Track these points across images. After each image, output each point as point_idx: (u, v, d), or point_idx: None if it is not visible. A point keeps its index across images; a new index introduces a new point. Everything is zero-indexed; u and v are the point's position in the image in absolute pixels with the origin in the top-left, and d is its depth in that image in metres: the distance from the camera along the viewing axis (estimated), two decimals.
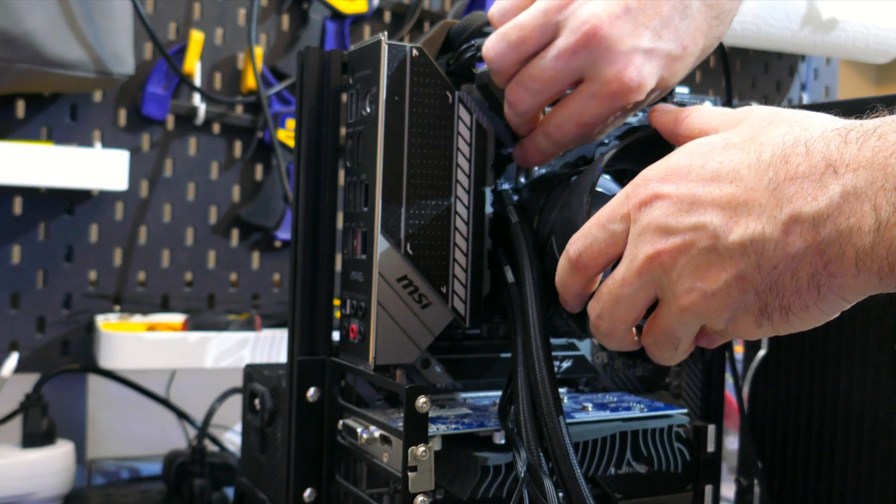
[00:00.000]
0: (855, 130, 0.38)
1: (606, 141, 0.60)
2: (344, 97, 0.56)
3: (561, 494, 0.46)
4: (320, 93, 0.55)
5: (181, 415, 0.95)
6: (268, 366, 0.65)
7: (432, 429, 0.48)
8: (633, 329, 0.48)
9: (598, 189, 0.51)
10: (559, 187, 0.54)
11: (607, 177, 0.53)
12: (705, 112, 0.50)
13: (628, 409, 0.56)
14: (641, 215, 0.43)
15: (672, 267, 0.42)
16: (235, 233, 0.97)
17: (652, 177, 0.44)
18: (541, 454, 0.47)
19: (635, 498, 0.57)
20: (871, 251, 0.36)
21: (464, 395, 0.57)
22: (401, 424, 0.48)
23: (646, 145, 0.50)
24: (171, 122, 0.94)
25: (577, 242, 0.47)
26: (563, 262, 0.48)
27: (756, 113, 0.45)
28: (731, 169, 0.41)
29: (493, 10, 0.53)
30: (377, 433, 0.50)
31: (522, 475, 0.47)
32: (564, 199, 0.52)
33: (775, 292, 0.40)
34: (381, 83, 0.51)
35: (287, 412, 0.56)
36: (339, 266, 0.56)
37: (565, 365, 0.61)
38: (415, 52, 0.52)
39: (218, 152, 0.96)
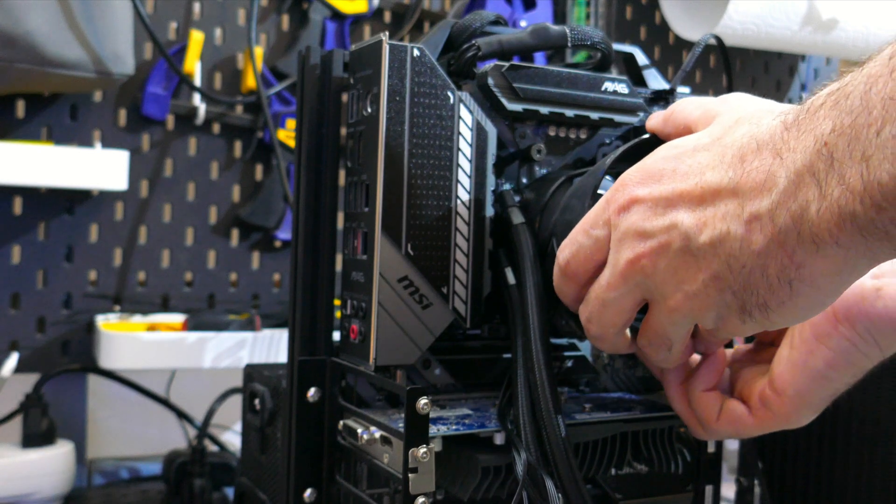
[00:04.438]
0: (791, 113, 0.38)
1: (608, 141, 0.60)
2: (345, 97, 0.56)
3: (560, 495, 0.46)
4: (321, 92, 0.55)
5: (181, 415, 0.95)
6: (268, 366, 0.64)
7: (433, 429, 0.48)
8: (628, 332, 0.48)
9: (600, 192, 0.51)
10: (561, 188, 0.54)
11: (609, 178, 0.53)
12: (686, 106, 0.50)
13: (629, 409, 0.56)
14: (621, 220, 0.44)
15: (653, 270, 0.43)
16: (235, 233, 0.97)
17: (629, 181, 0.45)
18: (540, 456, 0.47)
19: (636, 498, 0.57)
20: (818, 219, 0.36)
21: (464, 395, 0.57)
22: (401, 425, 0.48)
23: (647, 148, 0.50)
24: (171, 122, 0.94)
25: (566, 250, 0.48)
26: (555, 269, 0.49)
27: (728, 108, 0.46)
28: (697, 170, 0.42)
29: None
30: (377, 434, 0.50)
31: (521, 477, 0.47)
32: (566, 201, 0.52)
33: (750, 291, 0.40)
34: (383, 83, 0.51)
35: (287, 412, 0.56)
36: (339, 266, 0.56)
37: (566, 365, 0.61)
38: (416, 51, 0.52)
39: (218, 152, 0.96)
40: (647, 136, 0.53)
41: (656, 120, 0.53)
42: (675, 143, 0.45)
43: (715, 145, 0.42)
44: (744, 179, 0.39)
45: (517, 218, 0.53)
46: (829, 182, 0.35)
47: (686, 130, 0.49)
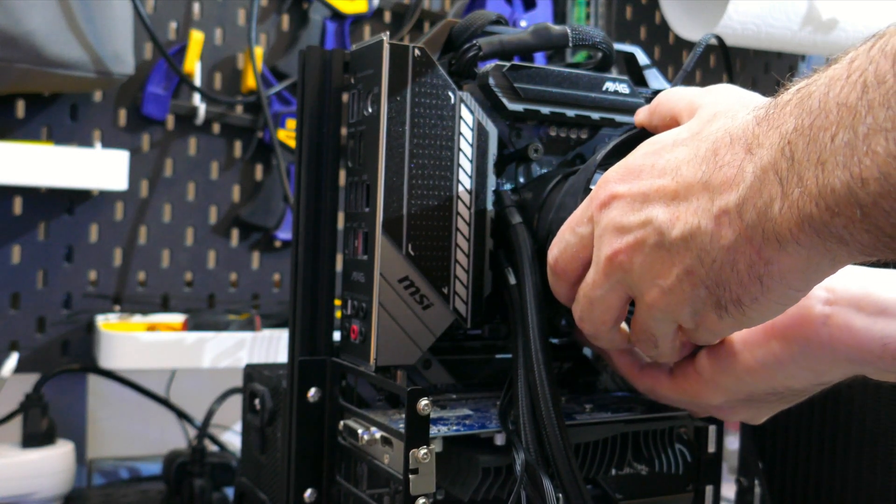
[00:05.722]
0: (763, 108, 0.38)
1: (608, 140, 0.60)
2: (345, 97, 0.56)
3: (560, 495, 0.46)
4: (322, 92, 0.55)
5: (181, 415, 0.95)
6: (268, 366, 0.64)
7: (433, 430, 0.48)
8: (625, 326, 0.48)
9: (591, 187, 0.51)
10: (557, 186, 0.54)
11: (601, 172, 0.53)
12: (671, 97, 0.50)
13: (629, 409, 0.56)
14: (602, 216, 0.44)
15: (631, 266, 0.43)
16: (235, 233, 0.97)
17: (611, 178, 0.45)
18: (541, 456, 0.47)
19: (636, 498, 0.57)
20: (780, 217, 0.36)
21: (465, 395, 0.57)
22: (402, 426, 0.48)
23: (637, 142, 0.50)
24: (171, 122, 0.94)
25: (554, 248, 0.48)
26: (547, 268, 0.49)
27: (709, 101, 0.46)
28: (674, 165, 0.42)
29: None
30: (378, 434, 0.50)
31: (519, 476, 0.47)
32: (560, 199, 0.52)
33: (722, 286, 0.40)
34: (383, 83, 0.51)
35: (287, 412, 0.56)
36: (339, 266, 0.56)
37: (567, 366, 0.61)
38: (417, 51, 0.52)
39: (218, 152, 0.96)
40: (635, 130, 0.53)
41: (643, 114, 0.53)
42: (655, 139, 0.45)
43: (692, 140, 0.42)
44: (715, 174, 0.39)
45: (514, 218, 0.53)
46: (790, 181, 0.35)
47: (672, 121, 0.49)
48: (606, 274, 0.44)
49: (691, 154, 0.41)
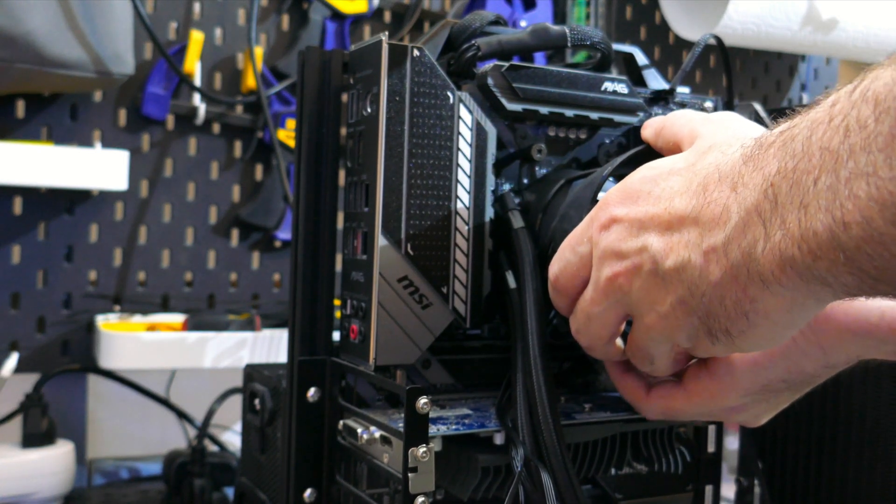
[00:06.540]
0: (750, 147, 0.39)
1: (608, 141, 0.60)
2: (345, 97, 0.56)
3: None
4: (321, 93, 0.55)
5: (181, 415, 0.95)
6: (268, 366, 0.64)
7: (433, 429, 0.48)
8: (619, 342, 0.49)
9: (599, 199, 0.51)
10: (561, 191, 0.54)
11: (612, 180, 0.53)
12: (675, 122, 0.51)
13: (629, 409, 0.56)
14: (601, 238, 0.45)
15: (629, 289, 0.44)
16: (235, 233, 0.97)
17: (610, 200, 0.45)
18: (538, 460, 0.47)
19: (636, 498, 0.57)
20: (763, 259, 0.36)
21: (464, 395, 0.57)
22: (401, 425, 0.48)
23: (643, 158, 0.50)
24: (171, 122, 0.94)
25: (555, 265, 0.49)
26: (548, 283, 0.50)
27: (708, 131, 0.46)
28: (668, 196, 0.42)
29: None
30: (377, 434, 0.50)
31: (518, 470, 0.47)
32: (564, 210, 0.52)
33: (712, 318, 0.41)
34: (382, 83, 0.51)
35: (287, 412, 0.56)
36: (339, 266, 0.56)
37: (566, 366, 0.61)
38: (416, 51, 0.52)
39: (218, 152, 0.96)
40: (642, 146, 0.53)
41: (650, 131, 0.54)
42: (654, 165, 0.46)
43: (687, 171, 0.43)
44: (704, 210, 0.40)
45: (517, 222, 0.53)
46: (773, 224, 0.35)
47: (675, 147, 0.50)
48: (605, 294, 0.45)
49: (684, 186, 0.42)
